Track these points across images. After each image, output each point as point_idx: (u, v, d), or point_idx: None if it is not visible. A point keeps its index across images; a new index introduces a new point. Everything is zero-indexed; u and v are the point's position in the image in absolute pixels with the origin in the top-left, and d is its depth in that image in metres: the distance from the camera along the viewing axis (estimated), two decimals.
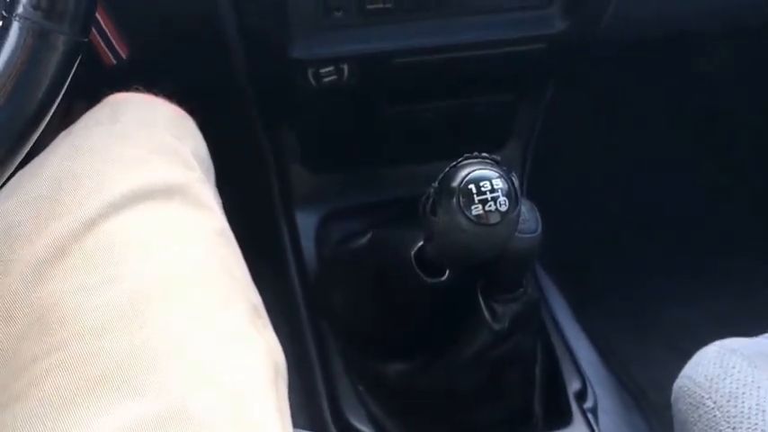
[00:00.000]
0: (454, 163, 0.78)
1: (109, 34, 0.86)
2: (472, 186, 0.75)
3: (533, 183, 1.21)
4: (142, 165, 0.68)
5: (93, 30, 0.83)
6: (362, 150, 1.20)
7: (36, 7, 0.47)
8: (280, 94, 1.08)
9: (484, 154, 0.77)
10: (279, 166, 1.20)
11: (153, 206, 0.66)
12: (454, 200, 0.75)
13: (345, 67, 0.98)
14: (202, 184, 0.72)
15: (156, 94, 0.78)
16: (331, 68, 0.98)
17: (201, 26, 0.95)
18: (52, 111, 0.51)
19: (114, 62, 0.89)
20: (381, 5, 0.94)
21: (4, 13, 0.47)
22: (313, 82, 0.99)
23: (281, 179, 1.20)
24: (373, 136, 1.17)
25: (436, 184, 0.78)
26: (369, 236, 1.04)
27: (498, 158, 0.77)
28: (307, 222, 1.17)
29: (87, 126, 0.72)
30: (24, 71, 0.47)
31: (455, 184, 0.76)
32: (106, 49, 0.87)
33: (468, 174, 0.75)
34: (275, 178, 1.21)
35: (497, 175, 0.75)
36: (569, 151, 1.38)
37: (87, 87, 0.67)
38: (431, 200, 0.79)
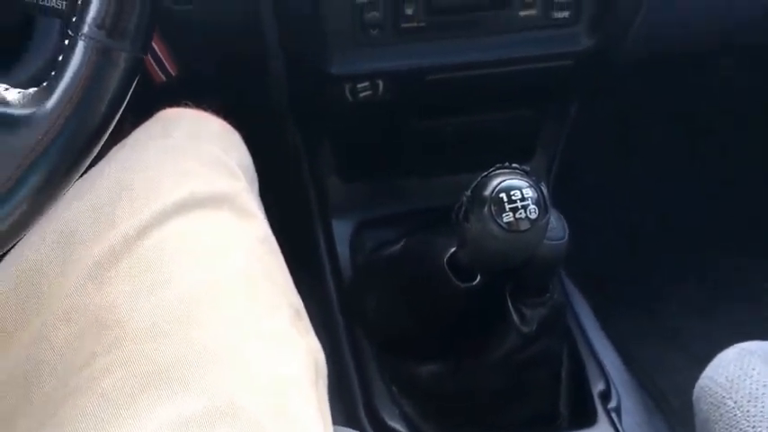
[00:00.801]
0: (486, 173, 0.81)
1: (159, 52, 0.90)
2: (503, 195, 0.78)
3: (557, 194, 1.22)
4: (193, 176, 0.71)
5: None
6: (394, 161, 1.22)
7: (100, 27, 0.49)
8: (316, 107, 1.12)
9: (514, 165, 0.81)
10: (315, 176, 1.23)
11: (202, 214, 0.69)
12: (486, 208, 0.78)
13: (380, 83, 1.02)
14: (248, 193, 0.75)
15: (203, 109, 0.81)
16: (366, 84, 1.02)
17: (245, 45, 0.98)
18: (113, 124, 0.52)
19: (164, 79, 0.92)
20: (415, 24, 0.97)
21: (70, 32, 0.49)
22: (349, 97, 1.02)
23: (318, 189, 1.23)
24: (405, 148, 1.20)
25: (469, 193, 0.81)
26: (402, 243, 1.07)
27: (528, 169, 0.81)
28: (342, 231, 1.20)
29: (141, 140, 0.75)
30: (88, 87, 0.49)
31: (487, 192, 0.79)
32: (156, 67, 0.91)
33: (500, 183, 0.79)
34: (312, 188, 1.24)
35: (527, 184, 0.79)
36: (591, 163, 1.40)
37: (138, 103, 0.71)
38: (463, 208, 0.82)
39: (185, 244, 0.67)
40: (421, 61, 1.00)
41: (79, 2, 0.50)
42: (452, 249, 0.92)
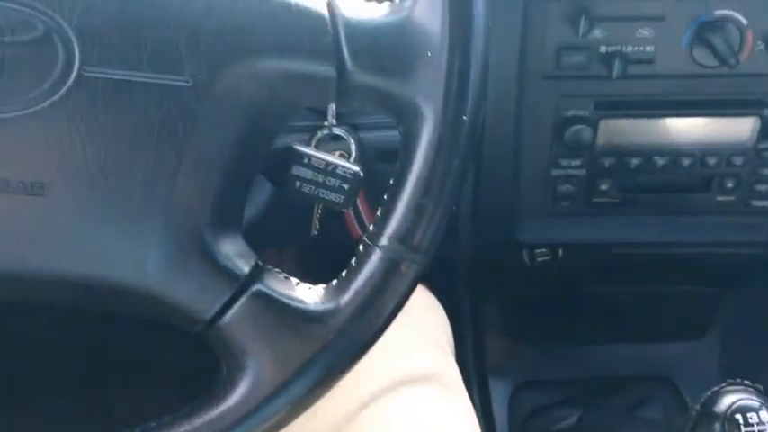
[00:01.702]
0: (717, 388, 0.78)
1: (361, 209, 0.90)
2: (739, 416, 0.74)
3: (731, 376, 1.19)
4: (407, 351, 0.74)
5: None
6: (562, 325, 1.20)
7: (401, 242, 0.50)
8: (490, 266, 1.11)
9: (746, 381, 0.78)
10: (476, 331, 1.22)
11: (415, 392, 0.71)
12: (718, 426, 0.75)
13: (560, 250, 1.01)
14: (455, 370, 0.78)
15: None
16: (546, 249, 1.02)
17: None
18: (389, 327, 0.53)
19: (361, 234, 0.92)
20: (607, 199, 0.96)
21: (367, 240, 0.51)
22: (527, 261, 1.02)
23: (476, 345, 1.22)
24: (574, 312, 1.18)
25: (698, 407, 0.78)
26: (576, 418, 1.04)
27: (761, 387, 0.77)
28: (500, 391, 1.18)
29: None
30: (379, 292, 0.51)
31: (720, 410, 0.75)
32: (356, 223, 0.91)
33: (735, 402, 0.75)
34: (471, 343, 1.22)
35: (763, 405, 0.75)
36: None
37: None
38: (691, 422, 0.78)
39: (400, 423, 0.69)
40: (608, 235, 0.99)
41: (378, 213, 0.51)
42: None
